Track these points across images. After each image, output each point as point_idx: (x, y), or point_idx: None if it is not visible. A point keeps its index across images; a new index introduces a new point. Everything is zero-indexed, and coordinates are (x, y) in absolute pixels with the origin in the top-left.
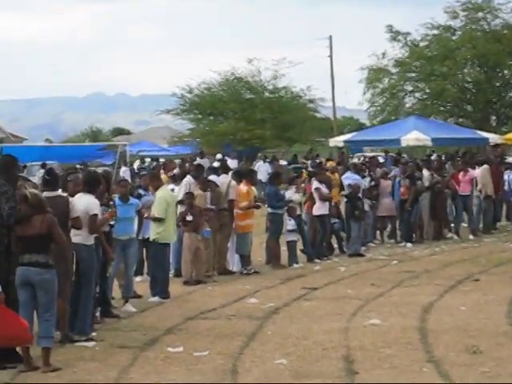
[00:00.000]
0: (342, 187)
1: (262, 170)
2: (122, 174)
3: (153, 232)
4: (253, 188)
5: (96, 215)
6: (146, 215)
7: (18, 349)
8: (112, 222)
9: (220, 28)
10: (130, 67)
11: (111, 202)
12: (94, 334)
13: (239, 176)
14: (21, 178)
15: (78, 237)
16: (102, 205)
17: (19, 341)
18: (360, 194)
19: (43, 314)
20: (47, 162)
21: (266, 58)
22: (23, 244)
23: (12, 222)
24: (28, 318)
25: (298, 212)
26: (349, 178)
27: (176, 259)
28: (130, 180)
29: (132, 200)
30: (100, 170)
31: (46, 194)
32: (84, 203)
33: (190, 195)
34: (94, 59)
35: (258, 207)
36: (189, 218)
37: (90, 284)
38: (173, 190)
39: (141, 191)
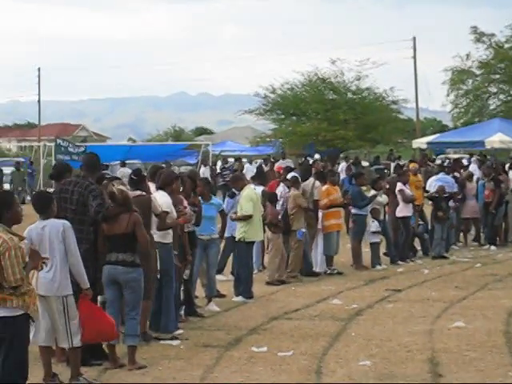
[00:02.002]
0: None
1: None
2: (201, 173)
3: (239, 231)
4: (336, 188)
5: (166, 212)
6: (233, 217)
7: (103, 346)
8: (191, 222)
9: (304, 28)
10: (212, 67)
11: (184, 206)
12: (179, 332)
13: (322, 177)
14: (107, 176)
15: (155, 235)
16: (188, 204)
17: (106, 337)
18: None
19: (129, 313)
20: (128, 161)
21: (349, 58)
22: (110, 242)
23: (100, 219)
24: (115, 316)
25: (382, 217)
26: (440, 180)
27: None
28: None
29: (214, 199)
30: (183, 169)
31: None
32: (160, 201)
33: (274, 196)
34: (176, 59)
35: (343, 205)
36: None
37: (170, 282)
38: (255, 188)
39: (235, 190)
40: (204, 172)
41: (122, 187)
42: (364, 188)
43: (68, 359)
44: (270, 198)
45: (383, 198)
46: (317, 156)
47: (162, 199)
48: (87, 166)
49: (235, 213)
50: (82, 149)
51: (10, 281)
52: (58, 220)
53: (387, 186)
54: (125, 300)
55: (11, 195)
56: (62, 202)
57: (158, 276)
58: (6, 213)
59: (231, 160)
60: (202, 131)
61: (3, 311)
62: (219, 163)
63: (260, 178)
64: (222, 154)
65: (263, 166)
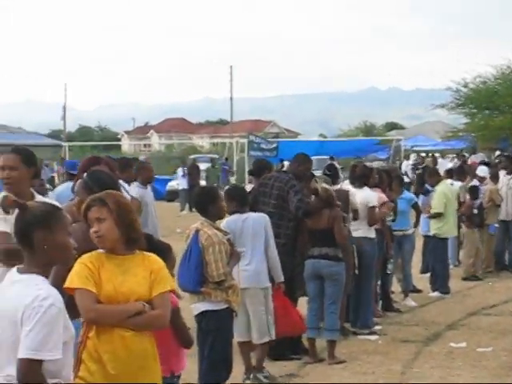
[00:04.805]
0: None
1: None
2: (404, 168)
3: (432, 227)
4: None
5: (374, 207)
6: (427, 214)
7: (303, 340)
8: (389, 218)
9: (498, 20)
10: (402, 61)
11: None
12: (378, 327)
13: None
14: (310, 173)
15: (359, 230)
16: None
17: (296, 330)
18: None
19: (329, 306)
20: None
21: None
22: (313, 237)
23: (300, 215)
24: (316, 311)
25: None
26: None
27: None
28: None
29: (405, 194)
30: (375, 164)
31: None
32: (361, 196)
33: (475, 190)
34: (367, 54)
35: None
36: (475, 211)
37: (371, 277)
38: (452, 184)
39: (428, 187)
40: (407, 166)
41: (326, 185)
42: None
43: (268, 353)
44: (470, 190)
45: None
46: None
47: (366, 194)
48: (292, 161)
49: (428, 210)
50: (275, 145)
51: (214, 276)
52: (258, 213)
53: None
54: (326, 294)
55: (216, 190)
56: (261, 197)
57: (356, 271)
58: (210, 207)
59: (423, 155)
60: (392, 126)
61: (207, 305)
62: (412, 158)
63: (460, 173)
64: (414, 148)
65: (457, 160)
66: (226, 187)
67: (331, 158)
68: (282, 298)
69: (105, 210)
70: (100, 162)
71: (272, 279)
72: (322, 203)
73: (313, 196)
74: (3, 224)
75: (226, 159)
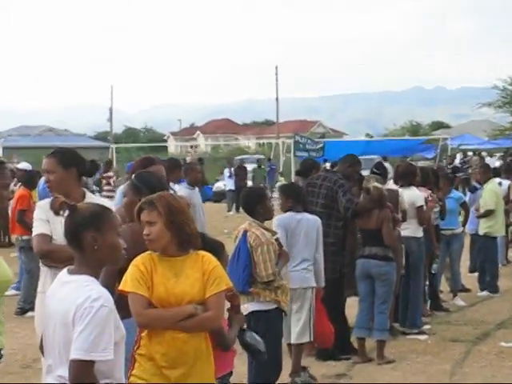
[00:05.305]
0: None
1: None
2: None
3: (482, 226)
4: None
5: (421, 207)
6: (476, 213)
7: (352, 340)
8: (436, 209)
9: None
10: (448, 60)
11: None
12: (427, 327)
13: None
14: (358, 174)
15: (407, 230)
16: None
17: (323, 341)
18: None
19: (379, 306)
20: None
21: None
22: (364, 237)
23: (349, 215)
24: (367, 310)
25: None
26: None
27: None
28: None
29: (453, 193)
30: (421, 163)
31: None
32: (408, 195)
33: None
34: (411, 53)
35: None
36: None
37: (419, 277)
38: (500, 183)
39: (475, 184)
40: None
41: (377, 184)
42: None
43: (317, 353)
44: None
45: None
46: None
47: (413, 193)
48: (341, 162)
49: (477, 209)
50: (320, 145)
51: (262, 276)
52: (313, 216)
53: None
54: (376, 294)
55: (263, 190)
56: (309, 197)
57: (403, 271)
58: (258, 208)
59: (470, 154)
60: (438, 125)
61: (256, 305)
62: (458, 157)
63: (508, 171)
64: (461, 147)
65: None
66: (279, 184)
67: (384, 158)
68: (319, 304)
69: (155, 213)
70: (154, 162)
71: None
72: (371, 203)
73: (362, 195)
74: (46, 226)
75: (269, 159)
